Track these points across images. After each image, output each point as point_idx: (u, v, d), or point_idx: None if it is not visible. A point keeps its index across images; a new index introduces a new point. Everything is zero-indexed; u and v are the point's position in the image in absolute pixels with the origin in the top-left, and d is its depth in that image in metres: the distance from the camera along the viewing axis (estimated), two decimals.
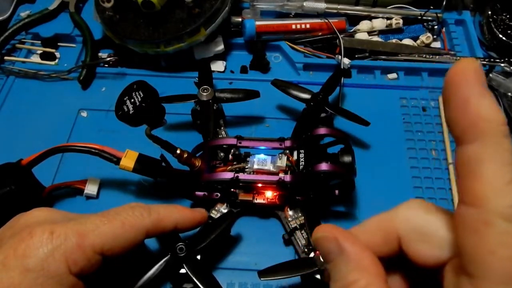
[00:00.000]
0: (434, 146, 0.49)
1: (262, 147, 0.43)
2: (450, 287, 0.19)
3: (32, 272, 0.24)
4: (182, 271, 0.34)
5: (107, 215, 0.29)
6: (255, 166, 0.42)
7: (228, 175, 0.40)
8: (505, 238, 0.16)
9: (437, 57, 0.55)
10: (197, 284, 0.33)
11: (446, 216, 0.21)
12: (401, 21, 0.58)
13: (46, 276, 0.24)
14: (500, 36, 0.56)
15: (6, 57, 0.56)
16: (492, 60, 0.55)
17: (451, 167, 0.47)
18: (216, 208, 0.42)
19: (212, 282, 0.35)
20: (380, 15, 0.59)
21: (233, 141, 0.42)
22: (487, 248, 0.17)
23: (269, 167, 0.42)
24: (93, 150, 0.39)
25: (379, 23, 0.58)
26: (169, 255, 0.35)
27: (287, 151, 0.42)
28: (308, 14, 0.58)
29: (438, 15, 0.58)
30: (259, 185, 0.41)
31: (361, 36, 0.58)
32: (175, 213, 0.33)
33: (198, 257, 0.36)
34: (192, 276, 0.34)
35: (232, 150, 0.43)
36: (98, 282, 0.29)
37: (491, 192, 0.17)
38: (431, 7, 0.59)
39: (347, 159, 0.39)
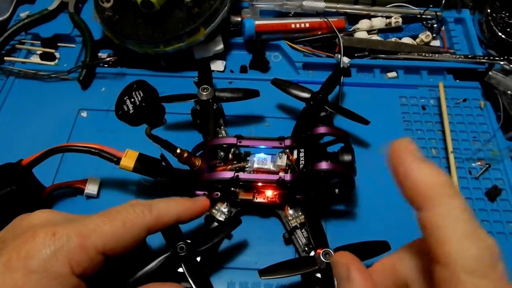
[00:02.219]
0: (434, 145, 0.49)
1: (262, 146, 0.43)
2: None
3: (35, 273, 0.24)
4: (180, 270, 0.34)
5: (108, 214, 0.29)
6: (255, 165, 0.42)
7: (228, 174, 0.40)
8: None
9: (436, 55, 0.56)
10: (191, 285, 0.33)
11: None
12: (400, 20, 0.58)
13: (49, 277, 0.24)
14: (500, 34, 0.56)
15: (6, 58, 0.56)
16: (491, 58, 0.55)
17: (451, 156, 0.47)
18: (217, 207, 0.42)
19: (206, 285, 0.34)
20: (379, 13, 0.59)
21: (233, 141, 0.42)
22: None
23: (269, 166, 0.42)
24: (93, 150, 0.39)
25: (379, 22, 0.58)
26: (169, 252, 0.35)
27: (287, 150, 0.42)
28: (308, 13, 0.58)
29: (438, 13, 0.58)
30: (259, 184, 0.41)
31: (361, 35, 0.58)
32: (176, 207, 0.32)
33: (198, 258, 0.36)
34: (187, 276, 0.34)
35: (232, 150, 0.43)
36: (100, 283, 0.29)
37: (451, 249, 0.19)
38: (431, 6, 0.59)
39: (347, 158, 0.39)
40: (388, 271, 0.26)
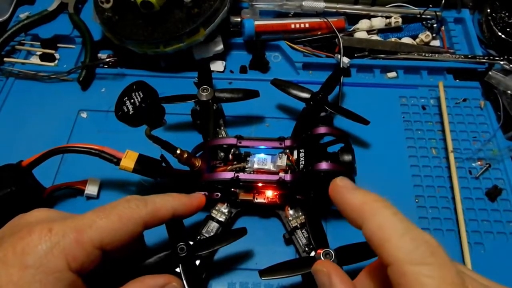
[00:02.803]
0: (434, 145, 0.49)
1: (262, 147, 0.43)
2: None
3: (31, 268, 0.24)
4: (178, 270, 0.34)
5: (103, 210, 0.29)
6: (255, 166, 0.42)
7: (228, 174, 0.40)
8: (421, 279, 0.20)
9: (436, 55, 0.56)
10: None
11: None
12: (400, 20, 0.58)
13: (45, 272, 0.24)
14: (499, 34, 0.56)
15: (5, 59, 0.56)
16: (491, 58, 0.55)
17: (451, 156, 0.47)
18: (217, 208, 0.42)
19: None
20: (379, 13, 0.59)
21: (233, 141, 0.42)
22: None
23: (269, 166, 0.42)
24: (93, 151, 0.39)
25: (378, 22, 0.58)
26: (170, 251, 0.35)
27: (287, 151, 0.42)
28: (307, 13, 0.58)
29: (437, 13, 0.58)
30: (260, 184, 0.41)
31: (360, 35, 0.58)
32: (172, 202, 0.32)
33: (197, 262, 0.36)
34: (183, 277, 0.33)
35: (232, 150, 0.43)
36: (99, 282, 0.29)
37: (392, 249, 0.22)
38: (430, 6, 0.59)
39: (347, 158, 0.39)
40: (370, 278, 0.27)
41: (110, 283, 0.31)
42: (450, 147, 0.48)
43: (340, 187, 0.26)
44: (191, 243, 0.35)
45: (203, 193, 0.41)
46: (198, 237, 0.40)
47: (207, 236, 0.40)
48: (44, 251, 0.25)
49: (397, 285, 0.21)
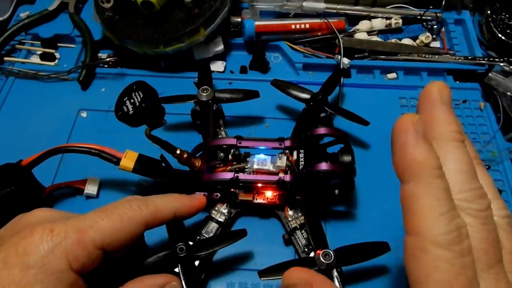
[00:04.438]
0: None
1: (262, 147, 0.43)
2: None
3: (33, 268, 0.24)
4: (177, 270, 0.34)
5: (105, 210, 0.29)
6: (255, 166, 0.42)
7: (228, 175, 0.40)
8: (438, 262, 0.20)
9: (436, 56, 0.56)
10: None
11: None
12: (400, 21, 0.58)
13: (46, 272, 0.25)
14: (499, 35, 0.56)
15: (6, 58, 0.56)
16: (491, 59, 0.55)
17: None
18: (216, 208, 0.42)
19: None
20: (380, 15, 0.59)
21: (232, 141, 0.42)
22: (423, 272, 0.20)
23: (269, 167, 0.42)
24: (93, 151, 0.39)
25: (379, 23, 0.58)
26: (169, 251, 0.35)
27: (287, 151, 0.42)
28: (308, 14, 0.58)
29: (438, 14, 0.58)
30: (259, 185, 0.41)
31: (361, 36, 0.58)
32: (173, 202, 0.33)
33: (197, 263, 0.36)
34: (182, 278, 0.34)
35: (232, 150, 0.43)
36: (100, 281, 0.29)
37: (425, 223, 0.21)
38: (431, 7, 0.59)
39: (347, 158, 0.39)
40: None
41: (111, 282, 0.31)
42: None
43: (412, 126, 0.22)
44: (191, 243, 0.35)
45: (203, 193, 0.41)
46: (198, 238, 0.40)
47: (207, 236, 0.40)
48: (46, 251, 0.25)
49: (411, 256, 0.21)
